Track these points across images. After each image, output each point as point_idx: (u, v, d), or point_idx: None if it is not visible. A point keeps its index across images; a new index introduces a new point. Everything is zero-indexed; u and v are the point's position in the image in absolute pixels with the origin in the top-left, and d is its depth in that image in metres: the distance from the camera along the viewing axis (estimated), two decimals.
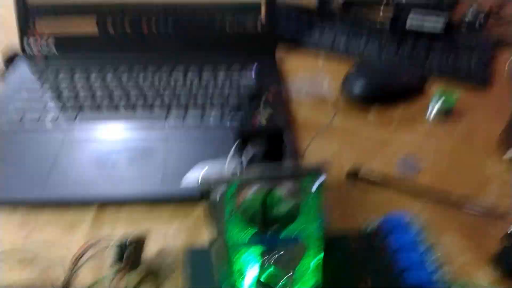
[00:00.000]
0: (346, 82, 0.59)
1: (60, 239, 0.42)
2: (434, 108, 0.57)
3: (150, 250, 0.41)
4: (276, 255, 0.30)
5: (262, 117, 0.35)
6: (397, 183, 0.48)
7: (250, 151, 0.31)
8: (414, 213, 0.45)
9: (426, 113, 0.58)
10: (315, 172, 0.26)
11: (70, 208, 0.45)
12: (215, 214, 0.27)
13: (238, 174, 0.26)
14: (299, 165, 0.27)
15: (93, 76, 0.60)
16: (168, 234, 0.43)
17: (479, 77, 0.63)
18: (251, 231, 0.28)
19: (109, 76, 0.60)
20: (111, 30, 0.63)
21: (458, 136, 0.55)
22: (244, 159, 0.31)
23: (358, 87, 0.57)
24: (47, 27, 0.62)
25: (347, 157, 0.52)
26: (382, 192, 0.48)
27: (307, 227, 0.29)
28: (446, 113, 0.57)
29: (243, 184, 0.26)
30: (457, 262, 0.41)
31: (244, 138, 0.32)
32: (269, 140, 0.31)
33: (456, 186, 0.48)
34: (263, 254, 0.30)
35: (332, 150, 0.52)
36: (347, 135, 0.55)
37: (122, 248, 0.37)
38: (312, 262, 0.31)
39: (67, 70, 0.61)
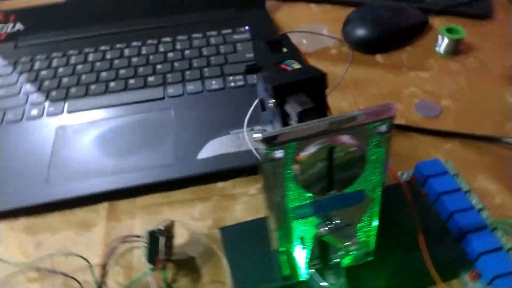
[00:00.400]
0: (349, 29, 0.55)
1: (77, 241, 0.38)
2: (443, 44, 0.54)
3: (179, 237, 0.37)
4: (339, 214, 0.27)
5: (292, 64, 0.31)
6: (421, 126, 0.45)
7: (295, 105, 0.27)
8: (445, 157, 0.43)
9: (435, 50, 0.55)
10: (382, 114, 0.23)
11: (79, 206, 0.41)
12: (274, 176, 0.24)
13: (296, 129, 0.22)
14: (363, 111, 0.23)
15: (73, 57, 0.54)
16: (194, 218, 0.39)
17: (480, 8, 0.60)
18: (313, 192, 0.25)
19: (91, 55, 0.54)
20: None
21: (471, 70, 0.52)
22: (292, 114, 0.27)
23: (362, 32, 0.53)
24: (8, 3, 0.55)
25: (365, 106, 0.49)
26: (407, 138, 0.45)
27: (370, 179, 0.26)
28: (455, 48, 0.54)
29: (305, 141, 0.22)
30: (495, 202, 0.39)
31: (283, 93, 0.27)
32: (310, 89, 0.28)
33: (480, 121, 0.46)
34: (325, 215, 0.27)
35: (347, 102, 0.49)
36: (359, 84, 0.51)
37: (154, 240, 0.34)
38: (374, 216, 0.29)
39: (42, 51, 0.55)
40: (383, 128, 0.24)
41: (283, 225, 0.27)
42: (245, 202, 0.40)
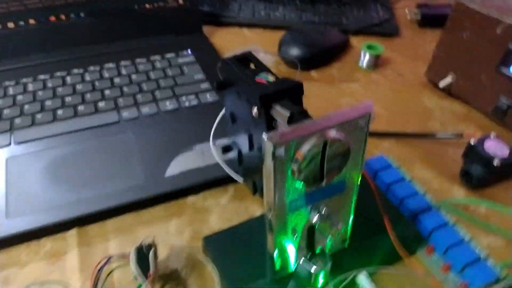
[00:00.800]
0: (285, 49, 0.60)
1: (50, 271, 0.37)
2: (365, 59, 0.61)
3: (159, 253, 0.38)
4: (325, 205, 0.31)
5: (267, 77, 0.34)
6: None
7: (282, 111, 0.30)
8: (384, 153, 0.49)
9: (358, 64, 0.62)
10: (362, 110, 0.27)
11: (45, 235, 0.39)
12: (276, 173, 0.26)
13: (293, 129, 0.25)
14: (345, 109, 0.27)
15: (10, 87, 0.52)
16: (170, 233, 0.40)
17: (389, 28, 0.70)
18: (306, 186, 0.28)
19: (30, 85, 0.52)
20: (12, 25, 0.55)
21: (391, 80, 0.61)
22: (281, 121, 0.30)
23: (298, 51, 0.59)
24: None
25: (312, 115, 0.53)
26: None
27: (351, 170, 0.30)
28: (375, 62, 0.62)
29: (303, 138, 0.26)
30: (432, 187, 0.46)
31: (268, 101, 0.30)
32: (290, 96, 0.31)
33: (406, 121, 0.53)
34: (313, 207, 0.30)
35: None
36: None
37: (142, 256, 0.34)
38: (351, 204, 0.33)
39: None
40: (363, 122, 0.28)
41: (280, 219, 0.29)
42: (218, 213, 0.42)
